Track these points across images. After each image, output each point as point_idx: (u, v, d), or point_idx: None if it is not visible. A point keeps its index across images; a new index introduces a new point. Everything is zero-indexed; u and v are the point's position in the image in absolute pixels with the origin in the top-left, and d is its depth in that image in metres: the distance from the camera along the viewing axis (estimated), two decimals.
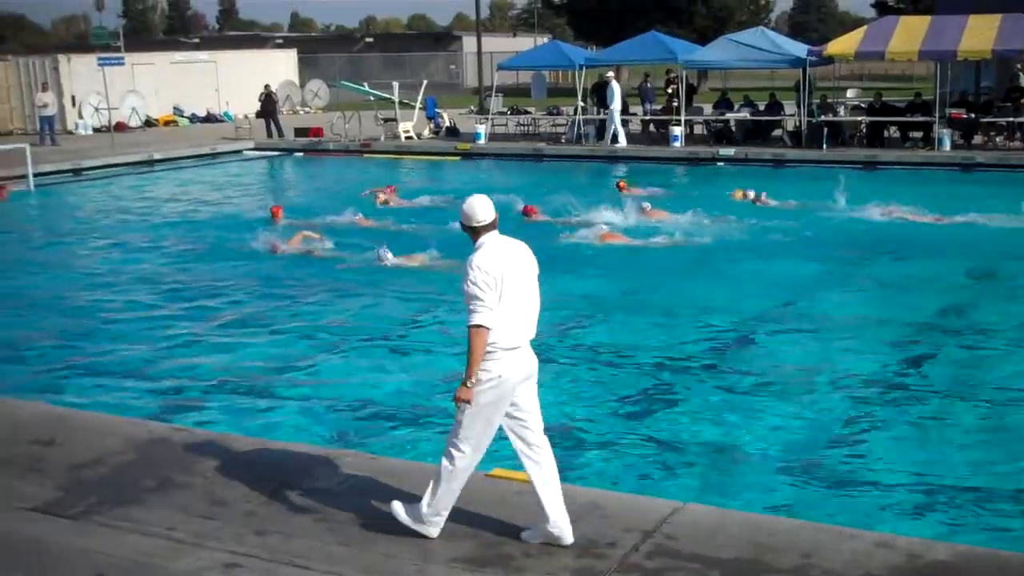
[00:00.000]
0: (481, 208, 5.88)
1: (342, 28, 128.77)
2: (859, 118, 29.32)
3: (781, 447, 8.83)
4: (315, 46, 68.94)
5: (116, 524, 6.38)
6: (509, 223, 18.07)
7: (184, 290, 14.95)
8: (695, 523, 6.21)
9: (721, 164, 27.90)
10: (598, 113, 31.81)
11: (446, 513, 6.05)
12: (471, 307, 5.68)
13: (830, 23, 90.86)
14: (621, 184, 22.93)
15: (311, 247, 16.97)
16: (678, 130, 29.40)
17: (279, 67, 47.70)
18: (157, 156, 31.31)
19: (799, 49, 29.74)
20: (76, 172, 28.97)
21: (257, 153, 33.54)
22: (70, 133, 37.83)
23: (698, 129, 31.87)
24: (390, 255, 15.63)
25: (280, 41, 69.32)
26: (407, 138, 33.01)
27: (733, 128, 30.38)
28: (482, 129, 32.29)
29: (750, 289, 14.34)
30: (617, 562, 5.75)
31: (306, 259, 16.55)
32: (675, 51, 30.64)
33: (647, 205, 19.95)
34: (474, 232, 5.91)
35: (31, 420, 8.30)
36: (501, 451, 7.70)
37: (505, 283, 5.74)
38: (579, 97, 31.72)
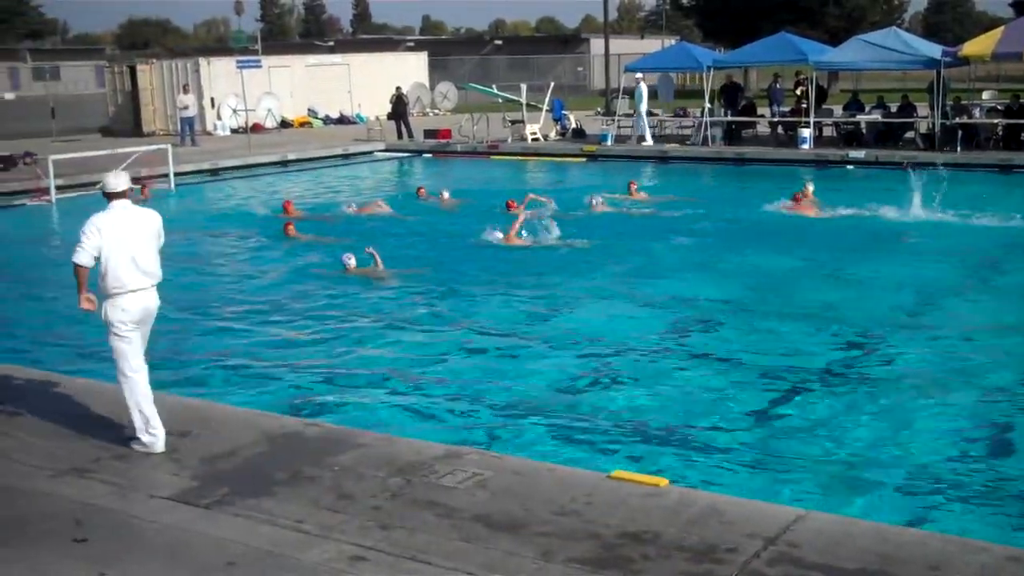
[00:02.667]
0: (112, 180, 7.71)
1: (471, 31, 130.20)
2: (995, 120, 28.45)
3: (908, 456, 8.66)
4: (445, 49, 69.74)
5: (248, 514, 6.57)
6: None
7: (315, 288, 15.29)
8: (819, 531, 6.14)
9: (850, 167, 27.36)
10: (725, 115, 31.56)
11: (156, 422, 7.68)
12: (76, 247, 7.54)
13: (966, 23, 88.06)
14: (632, 184, 22.99)
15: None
16: (807, 132, 28.95)
17: (410, 70, 48.36)
18: (291, 157, 32.06)
19: (933, 50, 28.98)
20: (214, 172, 29.86)
21: (387, 154, 34.08)
22: (209, 134, 38.89)
23: (827, 131, 31.30)
24: (353, 262, 15.84)
25: (411, 44, 70.27)
26: (534, 140, 33.14)
27: (864, 130, 29.74)
28: (608, 131, 32.27)
29: (875, 294, 14.11)
30: (738, 568, 5.71)
31: (433, 260, 16.83)
32: (805, 52, 30.16)
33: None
34: (108, 198, 7.68)
35: (170, 412, 8.57)
36: (622, 452, 7.75)
37: (115, 240, 7.51)
38: (706, 99, 31.47)
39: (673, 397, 10.21)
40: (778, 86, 32.55)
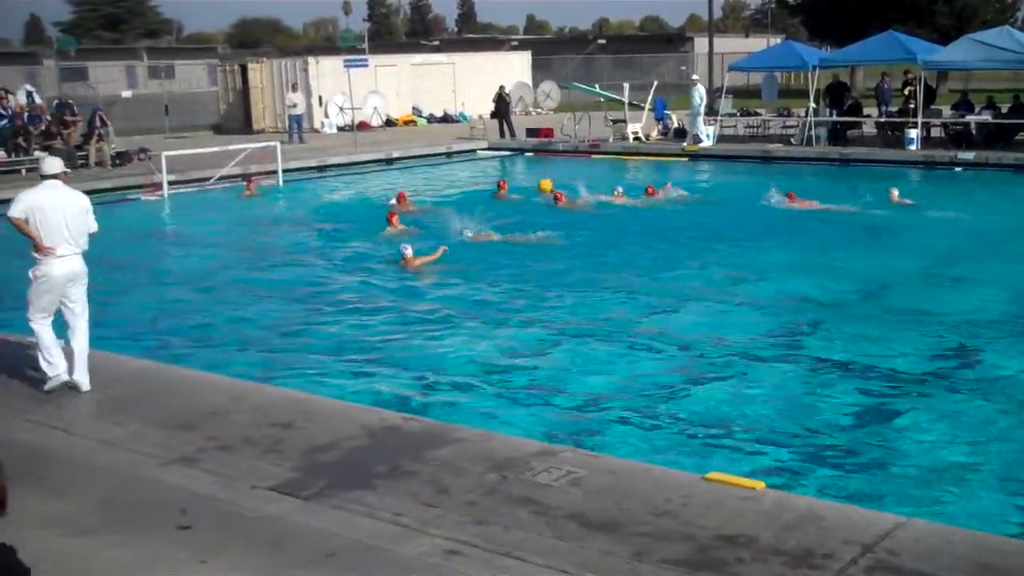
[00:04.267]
0: (46, 165, 9.32)
1: (575, 30, 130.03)
2: None
3: (1012, 464, 8.46)
4: (549, 48, 69.83)
5: (347, 507, 6.68)
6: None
7: (412, 283, 15.48)
8: (918, 539, 6.03)
9: (959, 168, 26.73)
10: (830, 115, 31.08)
11: (59, 359, 9.20)
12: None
13: None
14: (649, 189, 23.14)
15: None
16: (914, 133, 28.35)
17: (513, 69, 48.51)
18: (396, 155, 32.43)
19: None
20: (320, 169, 30.35)
21: (490, 153, 34.27)
22: (316, 131, 39.47)
23: (936, 132, 30.62)
24: (410, 252, 16.36)
25: (515, 43, 70.52)
26: (635, 139, 33.02)
27: (973, 131, 29.01)
28: (711, 130, 32.02)
29: (982, 298, 13.80)
30: (834, 574, 5.65)
31: (539, 255, 16.90)
32: (914, 51, 29.50)
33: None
34: (42, 178, 9.16)
35: (274, 404, 8.79)
36: (718, 454, 7.70)
37: (40, 212, 8.91)
38: (811, 98, 31.01)
39: (769, 399, 10.11)
40: (886, 86, 31.92)
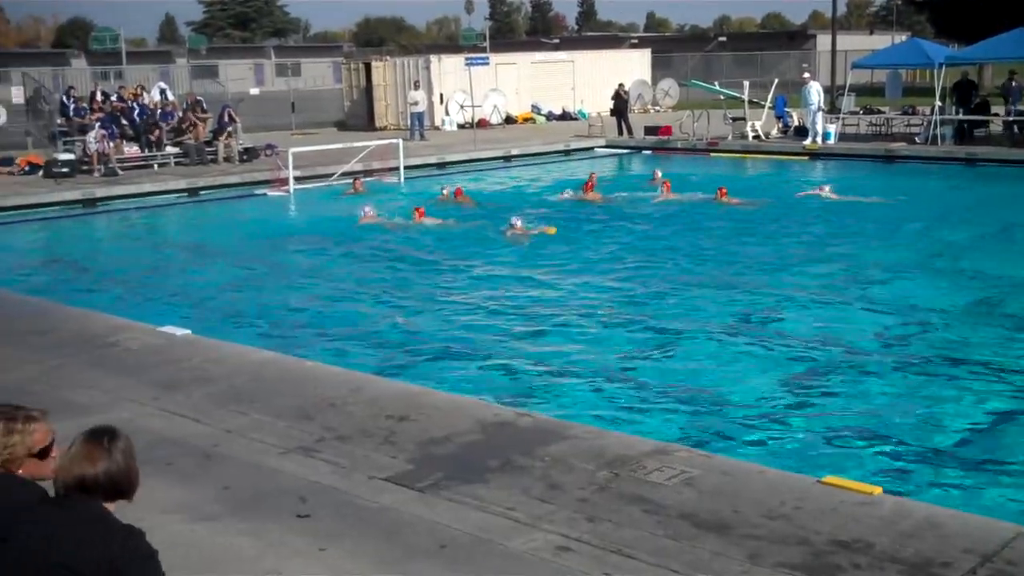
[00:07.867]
0: None
1: (696, 28, 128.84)
2: None
3: None
4: (669, 45, 69.22)
5: (460, 499, 6.76)
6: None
7: (526, 279, 15.57)
8: None
9: None
10: (956, 113, 30.25)
11: None
12: None
13: None
14: (722, 191, 22.59)
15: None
16: None
17: (633, 66, 48.32)
18: (514, 152, 32.62)
19: None
20: (440, 166, 30.70)
21: (608, 151, 34.20)
22: (437, 129, 39.91)
23: None
24: (519, 223, 17.44)
25: (635, 41, 70.19)
26: (755, 137, 32.62)
27: None
28: (832, 129, 31.44)
29: None
30: None
31: (646, 253, 16.85)
32: None
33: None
34: None
35: (390, 397, 8.93)
36: (833, 457, 7.60)
37: None
38: (937, 96, 30.19)
39: (887, 402, 9.91)
40: (1014, 83, 30.93)
